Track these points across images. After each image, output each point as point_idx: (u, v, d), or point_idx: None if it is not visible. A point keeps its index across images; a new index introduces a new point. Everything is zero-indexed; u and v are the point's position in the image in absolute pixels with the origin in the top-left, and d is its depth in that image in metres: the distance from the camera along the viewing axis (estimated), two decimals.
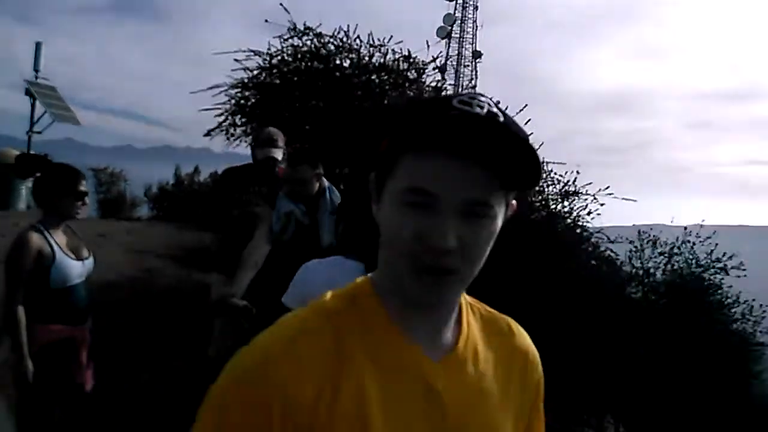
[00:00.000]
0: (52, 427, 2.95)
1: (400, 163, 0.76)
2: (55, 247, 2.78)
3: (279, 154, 3.70)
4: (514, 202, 0.83)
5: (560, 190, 5.61)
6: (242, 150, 7.12)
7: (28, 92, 12.96)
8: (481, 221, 0.75)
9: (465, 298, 0.91)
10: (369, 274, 0.88)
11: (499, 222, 0.78)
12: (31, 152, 3.09)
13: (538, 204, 5.43)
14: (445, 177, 0.73)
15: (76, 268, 2.86)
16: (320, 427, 0.73)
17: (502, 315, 0.97)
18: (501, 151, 0.72)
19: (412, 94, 5.15)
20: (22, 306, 2.70)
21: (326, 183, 3.50)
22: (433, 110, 0.76)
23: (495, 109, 0.76)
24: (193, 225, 11.94)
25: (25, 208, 11.36)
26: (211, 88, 5.80)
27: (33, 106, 13.03)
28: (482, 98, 0.77)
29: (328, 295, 0.85)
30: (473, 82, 34.10)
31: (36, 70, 13.14)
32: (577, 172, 5.64)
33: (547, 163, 6.02)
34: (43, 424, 2.90)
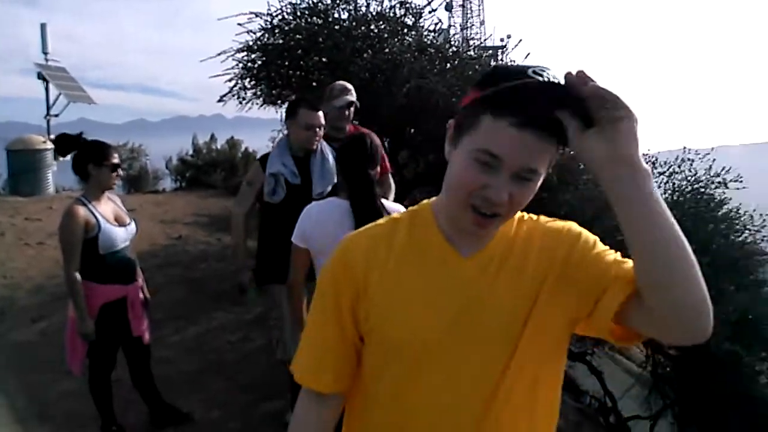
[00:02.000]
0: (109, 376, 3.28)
1: (481, 123, 0.96)
2: (99, 217, 3.04)
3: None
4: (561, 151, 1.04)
5: None
6: (254, 113, 7.22)
7: (40, 76, 12.67)
8: (529, 183, 0.99)
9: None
10: (433, 198, 1.17)
11: (542, 177, 1.01)
12: (59, 134, 3.32)
13: None
14: (512, 146, 0.94)
15: (121, 234, 3.13)
16: (372, 276, 1.11)
17: (537, 218, 1.16)
18: (556, 125, 0.94)
19: (411, 39, 5.19)
20: (78, 272, 2.98)
21: None
22: (511, 76, 0.93)
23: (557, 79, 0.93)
24: (215, 192, 12.21)
25: (53, 192, 11.69)
26: (219, 54, 5.85)
27: (47, 89, 12.80)
28: (549, 71, 0.94)
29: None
30: (481, 16, 33.19)
31: (45, 52, 12.77)
32: None
33: None
34: (108, 373, 3.26)
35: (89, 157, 3.08)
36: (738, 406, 5.37)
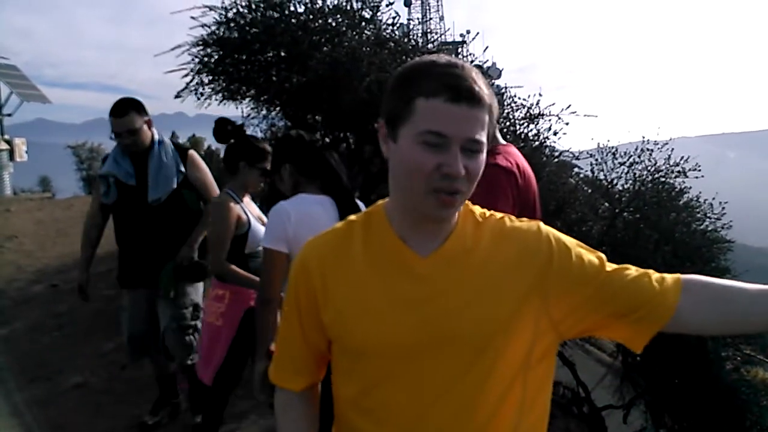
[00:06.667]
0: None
1: (416, 109, 1.00)
2: (249, 214, 2.92)
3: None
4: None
5: (525, 114, 5.74)
6: (216, 111, 7.12)
7: None
8: (477, 154, 1.02)
9: (467, 207, 1.15)
10: (385, 199, 1.17)
11: (486, 148, 1.05)
12: (219, 117, 3.00)
13: (505, 129, 5.55)
14: (453, 120, 0.98)
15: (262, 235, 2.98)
16: (330, 283, 1.12)
17: (502, 216, 1.17)
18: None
19: (369, 33, 5.21)
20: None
21: (157, 135, 3.38)
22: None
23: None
24: None
25: (11, 194, 11.37)
26: (173, 48, 5.75)
27: None
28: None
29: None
30: (440, 12, 33.41)
31: None
32: (540, 95, 5.79)
33: (509, 88, 6.17)
34: (234, 388, 3.03)
35: (244, 154, 2.93)
36: (705, 393, 5.53)
